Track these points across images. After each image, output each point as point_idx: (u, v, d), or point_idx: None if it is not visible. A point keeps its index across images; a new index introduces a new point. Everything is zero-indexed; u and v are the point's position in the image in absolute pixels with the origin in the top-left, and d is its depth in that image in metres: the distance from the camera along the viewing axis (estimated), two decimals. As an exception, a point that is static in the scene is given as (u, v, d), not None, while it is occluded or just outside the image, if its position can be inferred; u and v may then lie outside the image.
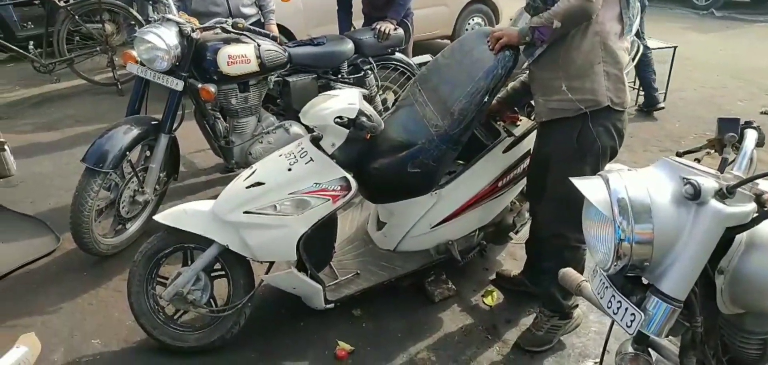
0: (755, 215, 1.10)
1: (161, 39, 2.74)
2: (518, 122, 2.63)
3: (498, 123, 2.64)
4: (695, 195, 1.09)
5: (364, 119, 2.21)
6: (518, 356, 2.35)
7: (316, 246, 2.33)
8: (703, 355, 1.25)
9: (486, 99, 2.26)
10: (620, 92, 2.08)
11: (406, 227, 2.58)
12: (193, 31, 2.86)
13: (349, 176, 2.25)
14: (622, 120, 2.13)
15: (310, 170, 2.23)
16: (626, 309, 1.17)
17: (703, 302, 1.23)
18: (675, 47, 5.33)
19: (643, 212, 1.12)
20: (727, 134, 1.35)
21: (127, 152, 2.77)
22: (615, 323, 1.34)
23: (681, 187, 1.12)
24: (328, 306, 2.43)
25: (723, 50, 7.28)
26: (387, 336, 2.47)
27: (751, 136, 1.29)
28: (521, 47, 2.25)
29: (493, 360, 2.35)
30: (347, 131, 2.22)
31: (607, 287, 1.23)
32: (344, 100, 2.26)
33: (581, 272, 2.26)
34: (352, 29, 4.00)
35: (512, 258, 2.98)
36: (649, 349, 1.33)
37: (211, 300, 2.36)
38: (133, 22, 5.66)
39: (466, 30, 6.72)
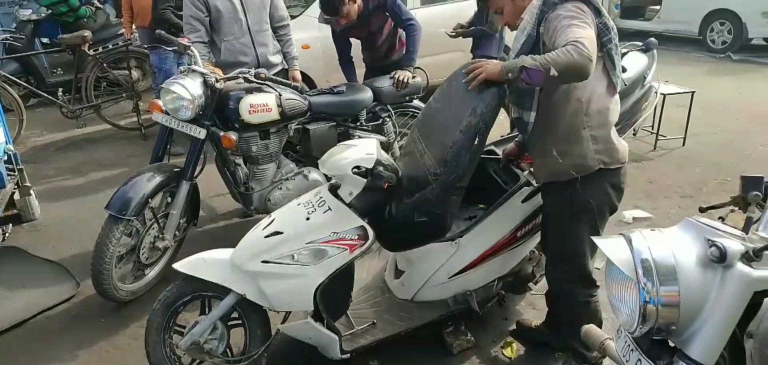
0: (784, 278, 1.07)
1: (186, 89, 2.82)
2: None
3: (519, 165, 2.63)
4: (721, 258, 1.07)
5: (381, 168, 2.21)
6: (539, 412, 2.30)
7: (333, 296, 2.32)
8: (734, 421, 1.21)
9: (476, 141, 2.15)
10: (612, 151, 2.07)
11: (425, 277, 2.56)
12: (217, 81, 2.93)
13: (367, 226, 2.25)
14: (618, 176, 2.12)
15: (328, 219, 2.23)
16: (653, 374, 1.14)
17: (732, 366, 1.20)
18: (693, 92, 5.30)
19: (668, 273, 1.10)
20: (752, 192, 1.34)
21: (149, 199, 2.82)
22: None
23: (706, 249, 1.10)
24: (344, 356, 2.40)
25: (742, 94, 7.21)
26: (404, 389, 2.43)
27: (776, 195, 1.28)
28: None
29: (513, 415, 2.30)
30: (365, 180, 2.22)
31: (632, 350, 1.20)
32: (362, 150, 2.27)
33: (599, 323, 2.23)
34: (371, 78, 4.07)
35: (532, 308, 2.93)
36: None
37: (228, 349, 2.35)
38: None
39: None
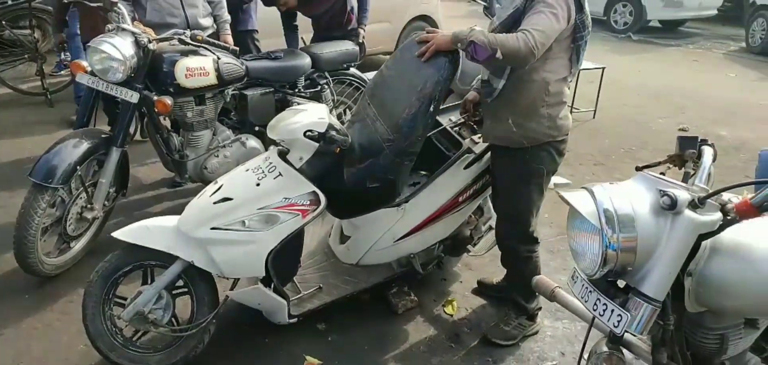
0: (721, 223, 1.24)
1: (117, 49, 2.65)
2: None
3: (461, 133, 2.75)
4: (672, 206, 1.21)
5: (334, 132, 2.23)
6: (482, 363, 2.44)
7: (282, 261, 2.32)
8: (672, 350, 1.38)
9: (432, 108, 2.26)
10: (560, 126, 2.24)
11: (371, 241, 2.62)
12: (150, 42, 2.78)
13: (318, 191, 2.26)
14: (563, 143, 2.31)
15: (279, 184, 2.21)
16: (613, 310, 1.28)
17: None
18: (603, 68, 5.72)
19: (627, 221, 1.23)
20: (688, 150, 1.50)
21: (78, 167, 2.64)
22: (590, 326, 1.45)
23: (659, 198, 1.24)
24: (292, 320, 2.42)
25: (641, 72, 7.86)
26: (353, 349, 2.49)
27: (708, 152, 1.45)
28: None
29: (457, 368, 2.43)
30: (316, 144, 2.22)
31: (591, 291, 1.33)
32: (313, 114, 2.27)
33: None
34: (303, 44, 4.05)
35: (468, 268, 3.09)
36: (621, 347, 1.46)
37: (173, 318, 2.29)
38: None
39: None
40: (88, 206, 2.83)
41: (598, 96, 5.76)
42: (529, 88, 2.16)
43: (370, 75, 4.03)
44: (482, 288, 2.89)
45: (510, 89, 2.19)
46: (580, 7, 2.10)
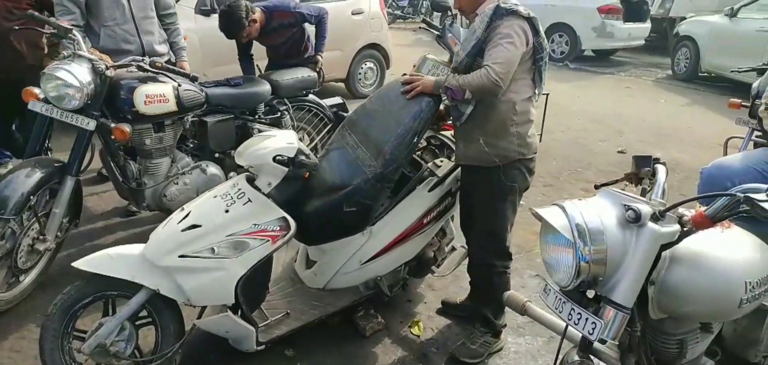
0: (679, 234, 1.35)
1: (73, 76, 2.58)
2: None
3: (422, 157, 2.85)
4: (637, 219, 1.32)
5: (303, 157, 2.26)
6: (450, 381, 2.50)
7: (252, 288, 2.30)
8: (639, 356, 1.48)
9: (415, 140, 2.46)
10: (529, 144, 2.41)
11: (338, 265, 2.64)
12: (107, 68, 2.72)
13: (288, 216, 2.27)
14: (532, 162, 2.48)
15: (249, 210, 2.22)
16: (587, 319, 1.36)
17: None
18: (547, 94, 5.98)
19: (597, 234, 1.33)
20: (643, 168, 1.63)
21: (31, 197, 2.54)
22: (562, 336, 1.54)
23: (624, 212, 1.34)
24: (260, 347, 2.40)
25: (579, 98, 8.28)
26: (323, 374, 2.49)
27: (662, 170, 1.57)
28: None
29: (427, 387, 2.47)
30: (286, 170, 2.25)
31: (564, 302, 1.41)
32: (282, 139, 2.31)
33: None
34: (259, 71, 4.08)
35: (431, 289, 3.15)
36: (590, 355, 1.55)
37: (136, 350, 2.22)
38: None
39: (359, 73, 7.06)
40: (41, 237, 2.71)
41: (543, 120, 5.97)
42: (498, 109, 2.32)
43: (329, 101, 4.09)
44: (447, 308, 2.95)
45: (479, 112, 2.34)
46: (535, 32, 2.29)
